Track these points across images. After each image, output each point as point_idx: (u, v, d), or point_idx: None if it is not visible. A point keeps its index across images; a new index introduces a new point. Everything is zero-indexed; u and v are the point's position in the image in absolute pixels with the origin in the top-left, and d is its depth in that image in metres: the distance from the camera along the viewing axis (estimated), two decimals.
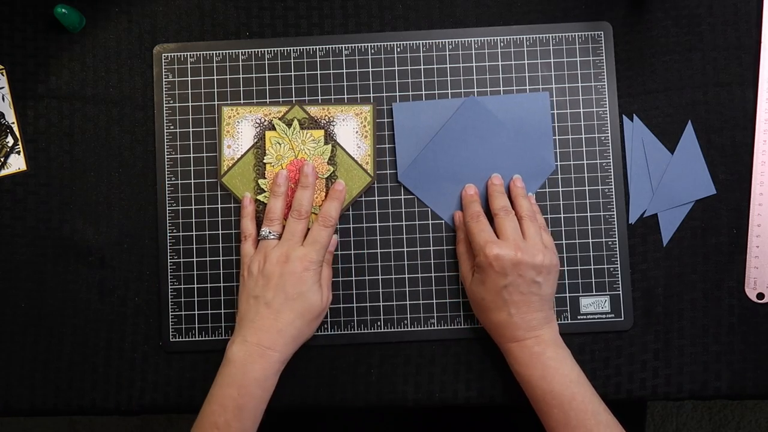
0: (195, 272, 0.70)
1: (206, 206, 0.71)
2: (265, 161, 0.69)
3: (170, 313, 0.70)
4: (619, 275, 0.69)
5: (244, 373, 0.61)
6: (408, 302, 0.70)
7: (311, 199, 0.67)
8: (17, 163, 0.71)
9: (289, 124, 0.70)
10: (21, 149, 0.71)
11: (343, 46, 0.71)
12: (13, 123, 0.71)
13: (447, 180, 0.68)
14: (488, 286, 0.63)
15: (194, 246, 0.70)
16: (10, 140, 0.70)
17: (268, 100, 0.71)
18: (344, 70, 0.71)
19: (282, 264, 0.63)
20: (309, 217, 0.66)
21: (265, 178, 0.69)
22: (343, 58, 0.71)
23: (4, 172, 0.71)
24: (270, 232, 0.66)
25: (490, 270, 0.62)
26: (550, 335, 0.64)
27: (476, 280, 0.65)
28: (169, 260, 0.70)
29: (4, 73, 0.71)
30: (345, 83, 0.71)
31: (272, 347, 0.62)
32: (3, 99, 0.71)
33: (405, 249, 0.70)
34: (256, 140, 0.70)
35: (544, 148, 0.69)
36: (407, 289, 0.70)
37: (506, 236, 0.64)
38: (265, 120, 0.70)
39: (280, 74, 0.71)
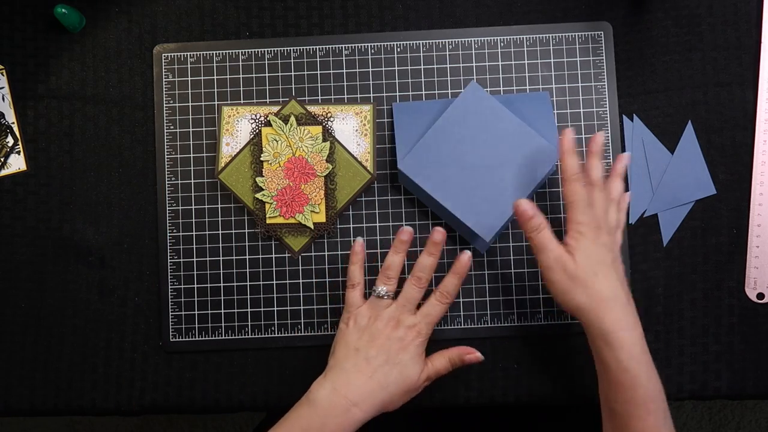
0: (195, 272, 0.70)
1: (206, 206, 0.71)
2: (261, 159, 0.69)
3: (170, 313, 0.70)
4: None
5: (323, 423, 0.59)
6: None
7: (434, 269, 0.65)
8: (17, 163, 0.71)
9: (285, 121, 0.70)
10: (21, 149, 0.71)
11: (343, 46, 0.71)
12: (13, 123, 0.71)
13: (449, 166, 0.66)
14: (595, 256, 0.59)
15: (194, 246, 0.70)
16: (10, 140, 0.70)
17: (268, 100, 0.71)
18: (344, 70, 0.71)
19: (392, 328, 0.62)
20: (427, 285, 0.65)
21: (262, 176, 0.69)
22: (343, 58, 0.71)
23: (4, 172, 0.71)
24: (386, 292, 0.64)
25: (593, 238, 0.59)
26: (641, 330, 0.59)
27: (583, 254, 0.59)
28: (169, 260, 0.70)
29: (4, 73, 0.71)
30: (345, 83, 0.71)
31: (359, 405, 0.60)
32: (3, 99, 0.71)
33: None
34: (252, 137, 0.70)
35: (548, 134, 0.67)
36: None
37: (597, 209, 0.61)
38: (262, 117, 0.70)
39: (280, 74, 0.71)
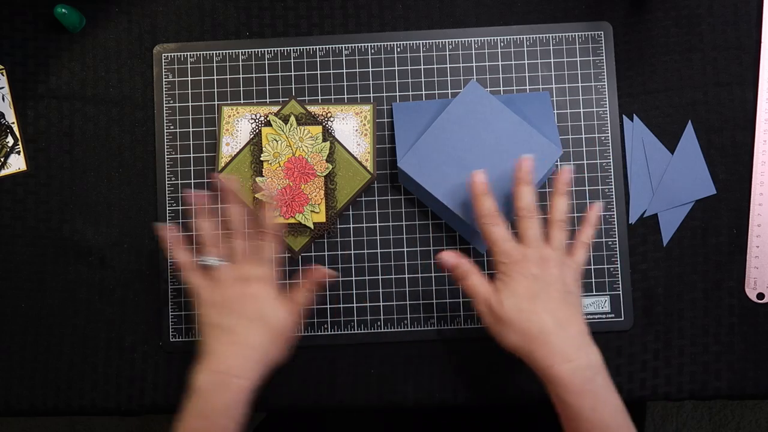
0: None
1: (206, 206, 0.70)
2: (262, 159, 0.69)
3: (170, 313, 0.70)
4: (619, 275, 0.69)
5: (210, 404, 0.57)
6: (408, 302, 0.70)
7: (242, 213, 0.63)
8: (17, 163, 0.71)
9: (285, 121, 0.70)
10: (21, 149, 0.71)
11: (343, 46, 0.71)
12: (13, 123, 0.71)
13: (449, 165, 0.66)
14: (521, 292, 0.57)
15: (194, 246, 0.70)
16: (10, 140, 0.70)
17: (268, 100, 0.71)
18: (344, 70, 0.71)
19: (240, 286, 0.61)
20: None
21: (262, 175, 0.69)
22: (343, 58, 0.71)
23: (4, 172, 0.71)
24: (215, 260, 0.62)
25: (519, 273, 0.58)
26: (598, 357, 0.57)
27: (507, 292, 0.58)
28: (169, 260, 0.70)
29: (4, 73, 0.71)
30: (345, 83, 0.71)
31: (238, 374, 0.58)
32: (3, 99, 0.71)
33: (405, 249, 0.70)
34: (252, 137, 0.70)
35: (549, 132, 0.67)
36: (407, 289, 0.70)
37: (528, 241, 0.59)
38: (262, 116, 0.70)
39: (280, 74, 0.71)
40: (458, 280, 0.61)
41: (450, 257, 0.61)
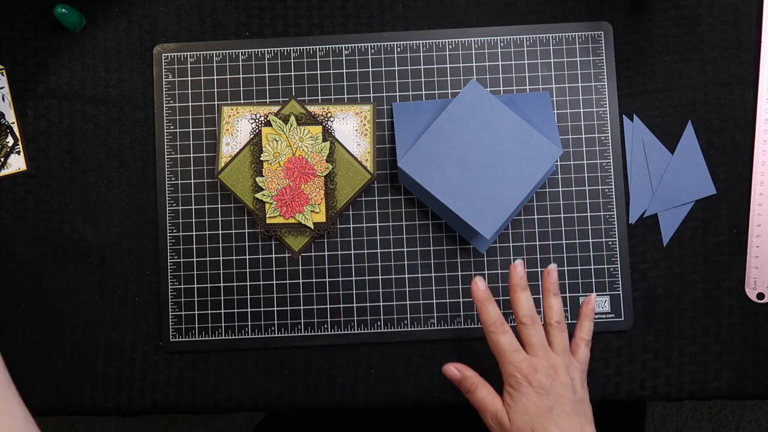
0: (195, 272, 0.70)
1: (206, 206, 0.71)
2: (261, 159, 0.69)
3: (170, 313, 0.70)
4: (619, 275, 0.69)
5: None
6: (408, 302, 0.70)
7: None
8: (17, 163, 0.71)
9: (285, 120, 0.70)
10: (21, 149, 0.71)
11: (343, 46, 0.71)
12: (13, 123, 0.71)
13: (449, 164, 0.66)
14: (533, 409, 0.55)
15: (194, 246, 0.70)
16: (10, 140, 0.70)
17: (268, 100, 0.71)
18: (344, 70, 0.71)
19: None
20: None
21: (262, 176, 0.69)
22: (343, 58, 0.71)
23: (4, 172, 0.71)
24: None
25: (529, 387, 0.56)
26: None
27: (518, 409, 0.56)
28: (169, 260, 0.70)
29: (4, 73, 0.71)
30: (345, 83, 0.71)
31: None
32: (3, 99, 0.71)
33: (405, 249, 0.70)
34: (252, 137, 0.70)
35: (549, 132, 0.67)
36: (407, 289, 0.70)
37: (533, 351, 0.57)
38: (262, 116, 0.70)
39: (280, 74, 0.71)
40: (465, 394, 0.59)
41: (454, 371, 0.59)
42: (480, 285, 0.60)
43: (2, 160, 0.70)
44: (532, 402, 0.55)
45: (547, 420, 0.55)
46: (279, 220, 0.69)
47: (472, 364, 0.69)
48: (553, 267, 0.61)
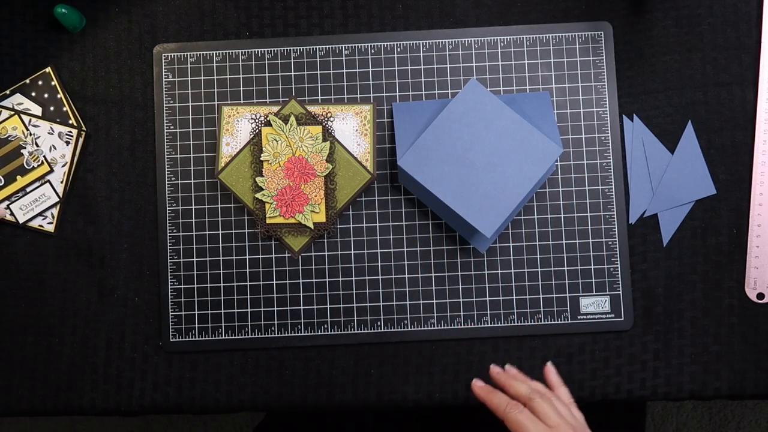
0: (195, 272, 0.70)
1: (206, 206, 0.71)
2: (262, 159, 0.69)
3: (170, 313, 0.70)
4: (619, 275, 0.69)
5: None
6: (408, 302, 0.70)
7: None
8: (49, 195, 0.71)
9: (285, 120, 0.70)
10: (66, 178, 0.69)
11: (343, 46, 0.71)
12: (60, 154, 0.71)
13: (449, 163, 0.66)
14: None
15: (194, 246, 0.70)
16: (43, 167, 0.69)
17: (268, 100, 0.71)
18: (344, 70, 0.71)
19: None
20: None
21: (262, 176, 0.69)
22: (343, 58, 0.71)
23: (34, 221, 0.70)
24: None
25: None
26: None
27: None
28: (169, 260, 0.70)
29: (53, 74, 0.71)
30: (345, 83, 0.71)
31: None
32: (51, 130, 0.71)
33: (405, 249, 0.70)
34: (252, 137, 0.70)
35: (549, 132, 0.67)
36: (407, 289, 0.70)
37: (553, 421, 0.57)
38: (262, 116, 0.70)
39: (280, 74, 0.71)
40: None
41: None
42: (478, 384, 0.61)
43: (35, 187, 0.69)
44: None
45: None
46: (279, 220, 0.69)
47: (473, 364, 0.69)
48: (549, 364, 0.63)
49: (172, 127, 0.71)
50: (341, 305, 0.70)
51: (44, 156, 0.68)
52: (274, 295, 0.70)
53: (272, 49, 0.72)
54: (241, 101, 0.71)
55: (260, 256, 0.70)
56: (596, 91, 0.71)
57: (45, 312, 0.70)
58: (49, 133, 0.68)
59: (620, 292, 0.69)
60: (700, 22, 0.71)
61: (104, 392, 0.70)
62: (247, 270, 0.70)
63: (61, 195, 0.68)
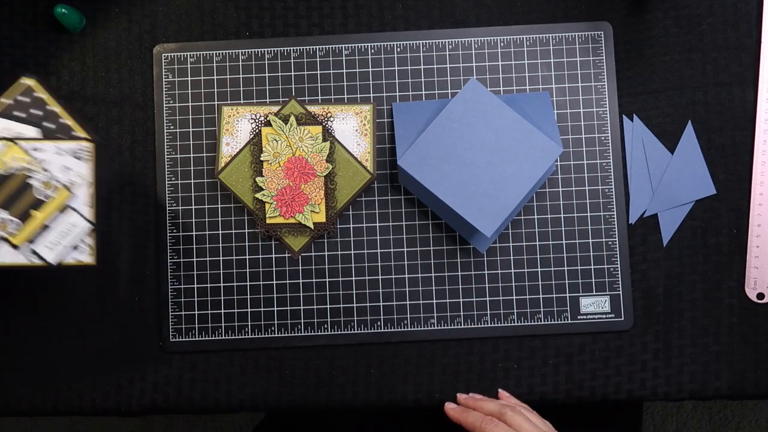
0: (195, 272, 0.70)
1: (206, 206, 0.71)
2: (261, 159, 0.69)
3: (170, 313, 0.70)
4: (619, 275, 0.69)
5: None
6: (408, 302, 0.70)
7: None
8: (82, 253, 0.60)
9: (285, 120, 0.70)
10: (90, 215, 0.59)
11: (343, 46, 0.71)
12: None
13: (449, 162, 0.66)
14: None
15: (194, 246, 0.70)
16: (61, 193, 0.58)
17: (268, 100, 0.71)
18: (344, 70, 0.71)
19: None
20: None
21: (262, 176, 0.69)
22: (343, 58, 0.71)
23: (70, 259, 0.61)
24: None
25: None
26: None
27: None
28: (169, 260, 0.70)
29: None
30: (345, 83, 0.71)
31: None
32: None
33: (405, 249, 0.70)
34: (252, 137, 0.70)
35: (549, 131, 0.67)
36: (407, 289, 0.70)
37: (527, 430, 0.61)
38: (262, 116, 0.70)
39: (280, 74, 0.71)
40: None
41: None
42: (450, 406, 0.67)
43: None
44: None
45: None
46: (279, 220, 0.69)
47: (473, 364, 0.69)
48: (501, 390, 0.68)
49: (172, 127, 0.71)
50: (341, 305, 0.70)
51: (58, 180, 0.57)
52: (274, 295, 0.70)
53: (272, 49, 0.72)
54: (241, 101, 0.71)
55: (260, 256, 0.70)
56: (596, 91, 0.71)
57: (45, 312, 0.70)
58: (56, 153, 0.58)
59: (620, 292, 0.69)
60: (700, 22, 0.71)
61: (104, 392, 0.70)
62: (247, 270, 0.70)
63: (92, 219, 0.56)
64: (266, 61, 0.71)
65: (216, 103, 0.71)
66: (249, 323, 0.70)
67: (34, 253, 0.57)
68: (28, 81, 0.57)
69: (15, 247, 0.57)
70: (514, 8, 0.72)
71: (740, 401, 1.35)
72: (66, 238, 0.57)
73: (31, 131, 0.57)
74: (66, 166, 0.57)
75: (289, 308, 0.70)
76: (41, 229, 0.57)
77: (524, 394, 0.69)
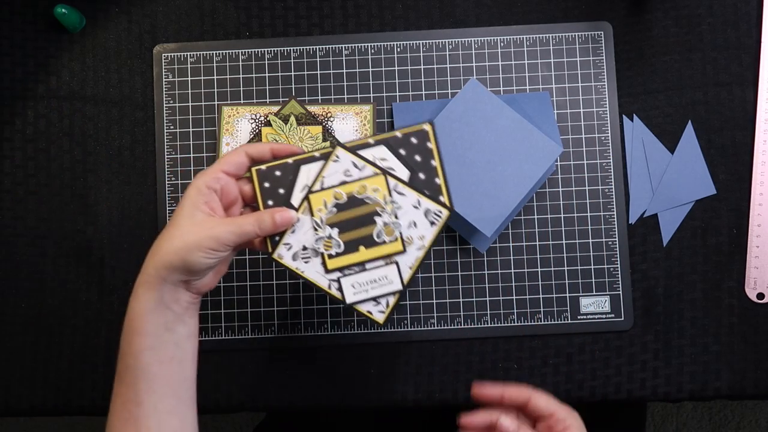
0: None
1: None
2: None
3: None
4: (619, 275, 0.69)
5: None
6: (408, 302, 0.70)
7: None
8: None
9: (285, 120, 0.70)
10: None
11: (343, 46, 0.71)
12: None
13: (449, 162, 0.66)
14: None
15: None
16: None
17: (268, 100, 0.71)
18: (344, 70, 0.71)
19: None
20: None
21: None
22: (343, 58, 0.71)
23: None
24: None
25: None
26: None
27: None
28: None
29: None
30: (345, 83, 0.71)
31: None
32: None
33: None
34: (252, 137, 0.70)
35: (549, 131, 0.67)
36: (407, 289, 0.70)
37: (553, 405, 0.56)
38: (262, 116, 0.70)
39: (280, 74, 0.71)
40: None
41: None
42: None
43: None
44: None
45: None
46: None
47: (473, 364, 0.69)
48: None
49: (172, 127, 0.71)
50: (342, 305, 0.70)
51: (401, 231, 0.55)
52: (274, 295, 0.70)
53: (272, 49, 0.72)
54: (241, 101, 0.71)
55: (260, 256, 0.70)
56: (596, 91, 0.71)
57: (45, 312, 0.70)
58: (414, 206, 0.55)
59: (620, 292, 0.69)
60: (700, 22, 0.71)
61: (104, 392, 0.70)
62: (247, 270, 0.70)
63: (404, 283, 0.55)
64: (266, 61, 0.71)
65: (216, 103, 0.71)
66: (249, 323, 0.70)
67: (338, 283, 0.55)
68: (427, 127, 0.55)
69: (325, 267, 0.55)
70: (514, 8, 0.72)
71: (740, 401, 1.35)
72: (375, 288, 0.55)
73: (403, 172, 0.55)
74: (415, 222, 0.55)
75: (289, 308, 0.70)
76: (358, 266, 0.55)
77: None
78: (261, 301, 0.70)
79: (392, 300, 0.55)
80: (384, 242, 0.54)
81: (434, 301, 0.70)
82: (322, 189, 0.55)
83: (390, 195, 0.55)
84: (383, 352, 0.70)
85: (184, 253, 0.50)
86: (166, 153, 0.71)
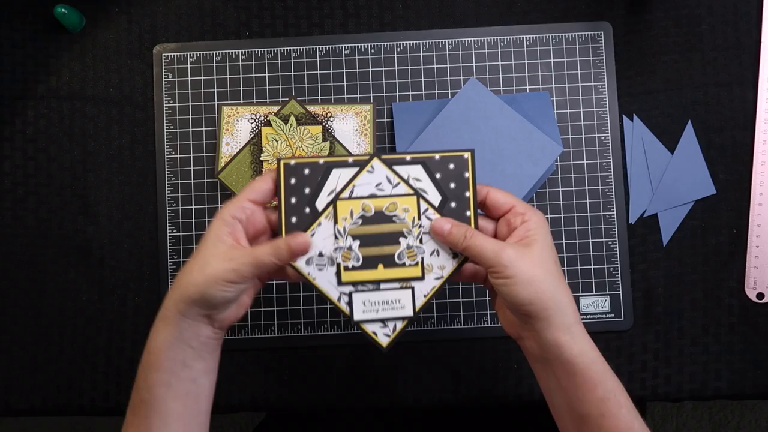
0: None
1: (206, 206, 0.71)
2: (261, 159, 0.69)
3: None
4: (619, 275, 0.69)
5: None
6: None
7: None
8: None
9: (285, 120, 0.70)
10: None
11: (343, 46, 0.71)
12: None
13: None
14: (546, 252, 0.51)
15: (194, 246, 0.70)
16: None
17: (268, 100, 0.71)
18: (344, 70, 0.71)
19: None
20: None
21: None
22: (343, 58, 0.71)
23: None
24: None
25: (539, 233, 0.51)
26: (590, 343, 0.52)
27: (537, 258, 0.50)
28: (169, 260, 0.70)
29: None
30: (345, 83, 0.71)
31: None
32: None
33: None
34: (252, 136, 0.70)
35: (549, 131, 0.67)
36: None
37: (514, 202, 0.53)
38: (262, 116, 0.70)
39: (280, 74, 0.71)
40: (459, 248, 0.52)
41: (442, 224, 0.52)
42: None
43: None
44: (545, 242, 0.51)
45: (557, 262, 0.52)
46: None
47: (473, 364, 0.69)
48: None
49: (172, 127, 0.71)
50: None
51: (423, 257, 0.53)
52: (274, 295, 0.70)
53: (272, 49, 0.72)
54: (241, 101, 0.71)
55: None
56: (596, 91, 0.71)
57: (45, 312, 0.70)
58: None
59: (620, 292, 0.69)
60: (700, 22, 0.71)
61: (104, 392, 0.70)
62: None
63: (416, 310, 0.53)
64: (266, 61, 0.71)
65: (216, 103, 0.71)
66: (249, 323, 0.70)
67: (349, 297, 0.52)
68: (467, 156, 0.53)
69: (339, 279, 0.53)
70: (514, 8, 0.72)
71: (740, 401, 1.35)
72: (385, 310, 0.53)
73: (435, 197, 0.53)
74: (438, 252, 0.53)
75: (289, 308, 0.70)
76: (372, 284, 0.53)
77: (524, 394, 0.69)
78: (261, 301, 0.70)
79: (400, 325, 0.53)
80: (404, 264, 0.52)
81: (434, 301, 0.70)
82: (351, 197, 0.53)
83: (419, 218, 0.53)
84: (383, 352, 0.70)
85: (203, 287, 0.49)
86: (166, 153, 0.71)
